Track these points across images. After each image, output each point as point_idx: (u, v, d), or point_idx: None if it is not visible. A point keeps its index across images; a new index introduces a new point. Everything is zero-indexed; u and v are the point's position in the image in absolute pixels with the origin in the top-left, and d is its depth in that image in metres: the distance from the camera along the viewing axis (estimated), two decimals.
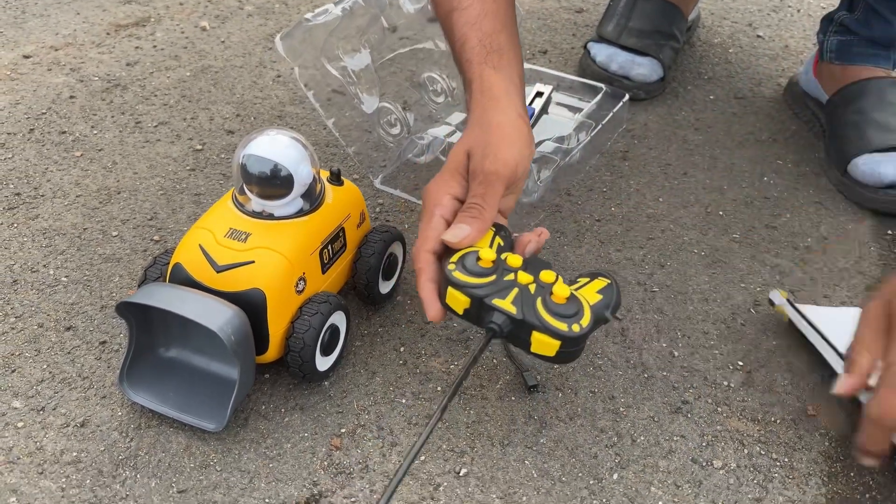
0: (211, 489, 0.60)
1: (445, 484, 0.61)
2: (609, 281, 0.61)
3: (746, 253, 0.85)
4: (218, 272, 0.63)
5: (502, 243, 0.62)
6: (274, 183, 0.64)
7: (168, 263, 0.65)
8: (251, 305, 0.62)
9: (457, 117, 0.93)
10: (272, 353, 0.64)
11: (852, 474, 0.63)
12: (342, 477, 0.61)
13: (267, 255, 0.63)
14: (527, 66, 0.90)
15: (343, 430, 0.65)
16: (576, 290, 0.59)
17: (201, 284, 0.63)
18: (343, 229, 0.70)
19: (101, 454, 0.62)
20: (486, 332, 0.57)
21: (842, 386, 0.59)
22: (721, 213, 0.90)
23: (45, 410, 0.65)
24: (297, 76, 0.79)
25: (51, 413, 0.65)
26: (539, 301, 0.57)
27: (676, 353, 0.73)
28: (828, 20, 1.02)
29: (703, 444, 0.65)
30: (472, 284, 0.58)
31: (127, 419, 0.65)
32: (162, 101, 1.05)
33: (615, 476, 0.62)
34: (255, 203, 0.65)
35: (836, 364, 0.68)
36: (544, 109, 0.94)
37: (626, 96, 0.95)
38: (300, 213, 0.66)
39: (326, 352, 0.67)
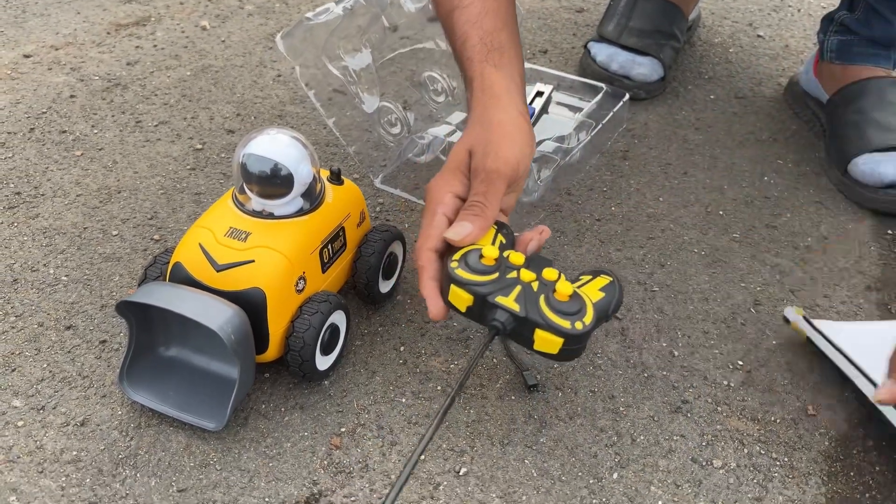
0: (211, 488, 0.60)
1: (445, 483, 0.61)
2: (611, 278, 0.61)
3: (746, 252, 0.85)
4: (218, 271, 0.63)
5: (504, 241, 0.62)
6: (274, 182, 0.64)
7: (168, 262, 0.65)
8: (251, 304, 0.62)
9: (457, 117, 0.93)
10: (272, 352, 0.64)
11: (852, 474, 0.63)
12: (342, 476, 0.61)
13: (267, 255, 0.63)
14: (527, 65, 0.90)
15: (343, 430, 0.65)
16: (578, 287, 0.59)
17: (201, 283, 0.63)
18: (343, 229, 0.70)
19: (101, 453, 0.62)
20: (488, 329, 0.58)
21: (884, 393, 0.57)
22: (721, 212, 0.90)
23: (45, 409, 0.65)
24: (298, 75, 0.79)
25: (51, 412, 0.65)
26: (542, 298, 0.57)
27: (676, 353, 0.73)
28: (828, 20, 1.02)
29: (703, 444, 0.65)
30: (476, 282, 0.58)
31: (127, 418, 0.65)
32: (162, 100, 1.05)
33: (615, 475, 0.62)
34: (256, 202, 0.65)
35: (858, 379, 0.66)
36: (545, 109, 0.94)
37: (627, 96, 0.95)
38: (300, 212, 0.66)
39: (326, 351, 0.67)
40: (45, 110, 1.02)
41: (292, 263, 0.64)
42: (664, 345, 0.74)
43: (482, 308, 0.58)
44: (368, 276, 0.72)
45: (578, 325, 0.56)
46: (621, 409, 0.68)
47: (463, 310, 0.59)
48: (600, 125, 0.91)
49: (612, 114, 0.92)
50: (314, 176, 0.66)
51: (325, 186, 0.69)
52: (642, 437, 0.65)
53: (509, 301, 0.57)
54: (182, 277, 0.63)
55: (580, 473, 0.62)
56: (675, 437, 0.65)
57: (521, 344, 0.58)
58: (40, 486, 0.60)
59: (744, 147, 1.01)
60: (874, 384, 0.63)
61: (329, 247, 0.68)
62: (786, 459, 0.64)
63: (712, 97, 1.11)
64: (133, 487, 0.60)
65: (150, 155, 0.95)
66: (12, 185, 0.89)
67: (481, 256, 0.59)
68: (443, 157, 0.87)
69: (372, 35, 0.85)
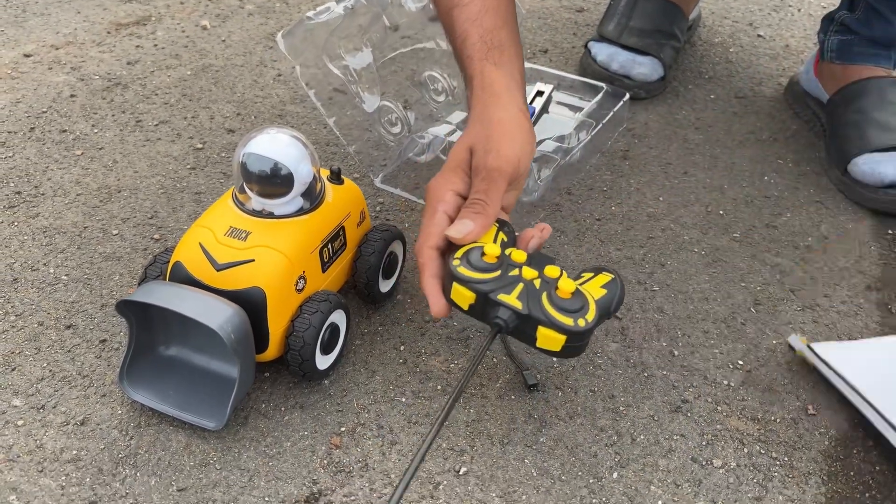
0: (211, 487, 0.60)
1: (445, 483, 0.61)
2: (613, 276, 0.61)
3: (747, 252, 0.85)
4: (218, 270, 0.63)
5: (506, 239, 0.62)
6: (274, 181, 0.64)
7: (168, 262, 0.65)
8: (251, 304, 0.62)
9: (457, 116, 0.93)
10: (272, 351, 0.64)
11: (852, 474, 0.63)
12: (342, 475, 0.61)
13: (267, 254, 0.63)
14: (527, 65, 0.90)
15: (343, 429, 0.65)
16: (580, 284, 0.59)
17: (201, 283, 0.63)
18: (343, 228, 0.70)
19: (100, 452, 0.62)
20: (491, 327, 0.58)
21: None
22: (721, 212, 0.90)
23: (45, 409, 0.65)
24: (299, 75, 0.79)
25: (51, 411, 0.65)
26: (544, 296, 0.57)
27: (676, 353, 0.73)
28: (828, 20, 1.02)
29: (703, 444, 0.65)
30: (478, 280, 0.58)
31: (127, 417, 0.65)
32: (162, 99, 1.05)
33: (615, 475, 0.62)
34: (256, 202, 0.65)
35: (865, 409, 0.65)
36: (545, 108, 0.94)
37: (627, 95, 0.95)
38: (300, 211, 0.66)
39: (326, 350, 0.67)
40: (45, 110, 1.02)
41: (292, 263, 0.64)
42: (664, 344, 0.74)
43: (484, 306, 0.58)
44: (368, 275, 0.72)
45: (581, 323, 0.56)
46: (621, 408, 0.68)
47: (465, 308, 0.59)
48: (600, 125, 0.91)
49: (612, 113, 0.92)
50: (314, 175, 0.66)
51: (325, 186, 0.69)
52: (642, 437, 0.65)
53: (512, 298, 0.57)
54: (182, 277, 0.63)
55: (580, 473, 0.62)
56: (674, 437, 0.65)
57: (524, 341, 0.58)
58: (40, 485, 0.60)
59: (744, 147, 1.01)
60: (883, 416, 0.63)
61: (329, 246, 0.68)
62: (786, 459, 0.64)
63: (712, 97, 1.11)
64: (133, 486, 0.60)
65: (150, 154, 0.95)
66: (12, 185, 0.89)
67: (483, 254, 0.59)
68: (443, 156, 0.87)
69: (373, 34, 0.85)
